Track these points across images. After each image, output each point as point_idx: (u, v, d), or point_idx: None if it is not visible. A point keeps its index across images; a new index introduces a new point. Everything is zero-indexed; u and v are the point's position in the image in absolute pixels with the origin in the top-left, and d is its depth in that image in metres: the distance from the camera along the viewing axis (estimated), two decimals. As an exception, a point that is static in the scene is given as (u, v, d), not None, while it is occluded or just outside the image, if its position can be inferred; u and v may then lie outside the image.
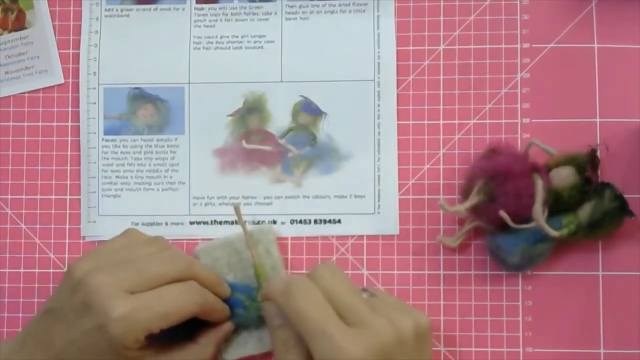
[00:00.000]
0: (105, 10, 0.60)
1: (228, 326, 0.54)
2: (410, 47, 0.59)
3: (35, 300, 0.58)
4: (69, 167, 0.60)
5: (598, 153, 0.54)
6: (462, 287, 0.57)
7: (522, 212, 0.53)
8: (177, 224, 0.58)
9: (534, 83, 0.58)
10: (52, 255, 0.59)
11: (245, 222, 0.55)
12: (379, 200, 0.58)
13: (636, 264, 0.56)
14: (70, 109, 0.60)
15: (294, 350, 0.47)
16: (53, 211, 0.59)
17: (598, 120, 0.57)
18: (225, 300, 0.53)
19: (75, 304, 0.48)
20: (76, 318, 0.48)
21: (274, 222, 0.58)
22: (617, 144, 0.56)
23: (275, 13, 0.60)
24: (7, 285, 0.59)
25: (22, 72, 0.60)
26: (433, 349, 0.56)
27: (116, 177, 0.59)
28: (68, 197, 0.59)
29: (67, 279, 0.49)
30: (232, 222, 0.58)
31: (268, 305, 0.50)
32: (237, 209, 0.55)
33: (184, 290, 0.50)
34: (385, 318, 0.46)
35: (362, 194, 0.58)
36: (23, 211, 0.59)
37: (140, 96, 0.60)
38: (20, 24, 0.61)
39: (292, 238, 0.58)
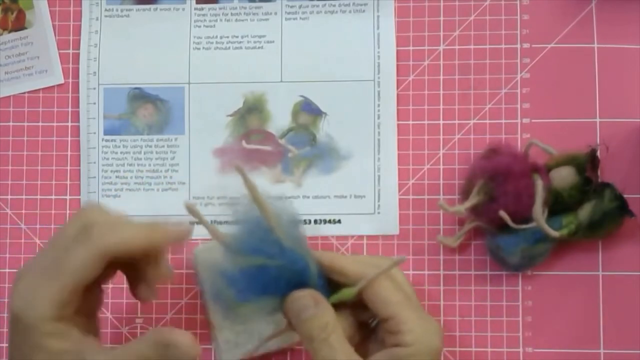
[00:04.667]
0: (105, 10, 0.60)
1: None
2: (410, 47, 0.59)
3: (35, 300, 0.58)
4: (69, 167, 0.60)
5: (598, 153, 0.54)
6: (462, 287, 0.57)
7: (522, 212, 0.53)
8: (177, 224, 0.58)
9: (534, 83, 0.58)
10: (52, 255, 0.59)
11: (205, 220, 0.48)
12: (379, 200, 0.58)
13: (636, 264, 0.56)
14: (70, 109, 0.60)
15: (335, 333, 0.46)
16: (53, 211, 0.59)
17: (598, 120, 0.57)
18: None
19: None
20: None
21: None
22: (617, 144, 0.56)
23: (275, 13, 0.60)
24: (7, 285, 0.59)
25: (22, 72, 0.60)
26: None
27: (116, 177, 0.59)
28: (68, 197, 0.59)
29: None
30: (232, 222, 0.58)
31: (298, 298, 0.47)
32: (190, 208, 0.47)
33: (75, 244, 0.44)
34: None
35: (362, 194, 0.58)
36: (23, 211, 0.59)
37: (140, 96, 0.60)
38: (20, 24, 0.61)
39: (292, 238, 0.58)
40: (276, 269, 0.46)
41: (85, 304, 0.45)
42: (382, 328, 0.47)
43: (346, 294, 0.47)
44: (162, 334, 0.44)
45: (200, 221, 0.47)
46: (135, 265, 0.48)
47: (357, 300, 0.48)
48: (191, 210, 0.47)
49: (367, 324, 0.49)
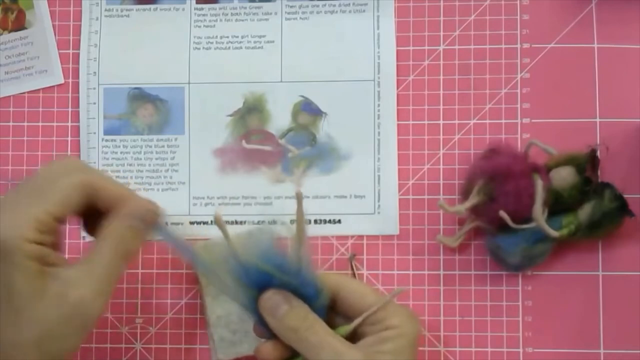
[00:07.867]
0: (105, 10, 0.60)
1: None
2: (410, 47, 0.59)
3: (35, 300, 0.58)
4: (69, 167, 0.59)
5: (598, 153, 0.54)
6: (462, 287, 0.57)
7: (522, 212, 0.53)
8: (177, 224, 0.58)
9: (534, 83, 0.58)
10: (52, 255, 0.59)
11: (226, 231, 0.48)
12: (379, 200, 0.58)
13: (636, 264, 0.56)
14: (70, 109, 0.60)
15: (318, 322, 0.48)
16: (53, 211, 0.59)
17: (598, 120, 0.57)
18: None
19: None
20: None
21: (274, 222, 0.58)
22: (617, 144, 0.56)
23: (275, 13, 0.60)
24: (7, 285, 0.59)
25: (22, 72, 0.60)
26: (433, 349, 0.56)
27: (116, 177, 0.59)
28: (68, 197, 0.59)
29: None
30: (233, 222, 0.58)
31: (270, 296, 0.48)
32: (217, 218, 0.48)
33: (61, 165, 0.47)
34: None
35: (362, 194, 0.58)
36: (23, 211, 0.59)
37: (140, 96, 0.60)
38: (20, 24, 0.61)
39: (292, 238, 0.58)
40: (281, 283, 0.47)
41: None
42: (361, 325, 0.48)
43: (341, 331, 0.48)
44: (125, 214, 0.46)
45: (223, 233, 0.48)
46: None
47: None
48: (217, 220, 0.47)
49: None
